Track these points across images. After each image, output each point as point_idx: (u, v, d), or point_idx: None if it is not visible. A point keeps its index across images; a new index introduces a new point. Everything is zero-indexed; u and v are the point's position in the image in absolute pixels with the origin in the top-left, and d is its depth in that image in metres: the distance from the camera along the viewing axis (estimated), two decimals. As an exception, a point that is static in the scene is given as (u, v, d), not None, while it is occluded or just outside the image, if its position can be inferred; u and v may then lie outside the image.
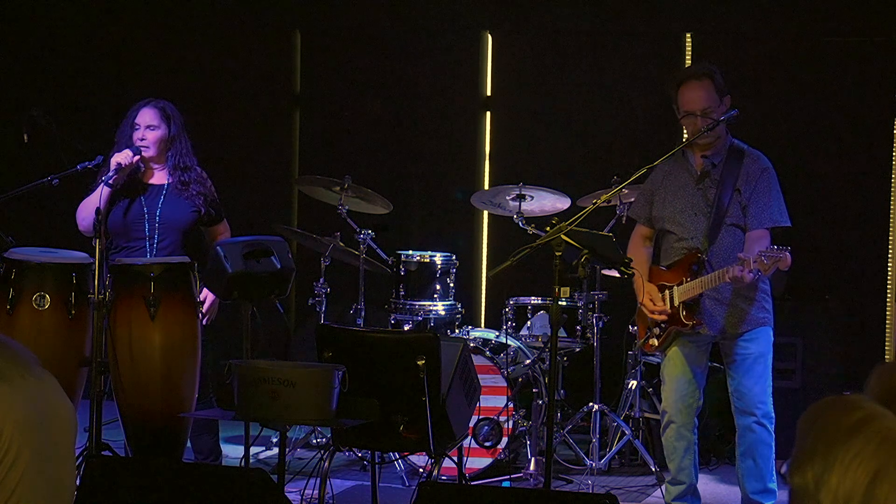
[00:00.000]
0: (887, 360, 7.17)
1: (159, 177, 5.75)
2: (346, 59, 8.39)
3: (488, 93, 8.22)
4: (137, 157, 5.59)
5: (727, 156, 5.09)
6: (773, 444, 5.08)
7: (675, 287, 5.05)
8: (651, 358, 6.78)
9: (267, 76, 8.53)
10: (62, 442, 1.90)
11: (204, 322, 5.58)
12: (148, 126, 5.68)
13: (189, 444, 5.76)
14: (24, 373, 1.86)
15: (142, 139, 5.65)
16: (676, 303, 5.04)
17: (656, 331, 5.13)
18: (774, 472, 5.11)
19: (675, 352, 5.13)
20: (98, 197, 5.45)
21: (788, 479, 1.60)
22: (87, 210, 5.55)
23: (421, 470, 5.90)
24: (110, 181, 5.50)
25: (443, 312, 6.44)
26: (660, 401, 6.50)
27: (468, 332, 6.35)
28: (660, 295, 5.09)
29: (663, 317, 5.07)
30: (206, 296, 5.52)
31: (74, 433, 1.96)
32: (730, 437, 6.64)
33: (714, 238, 5.02)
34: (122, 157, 5.54)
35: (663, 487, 5.33)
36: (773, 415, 5.09)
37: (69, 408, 1.93)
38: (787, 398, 6.64)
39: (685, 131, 5.31)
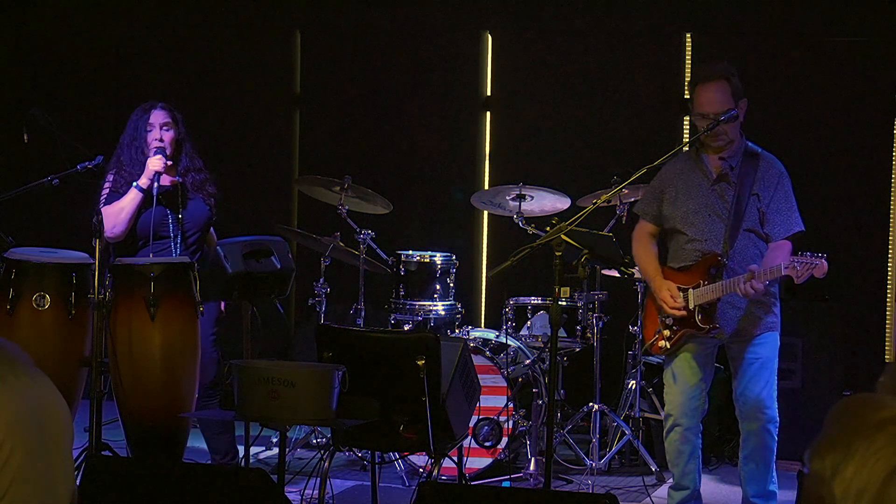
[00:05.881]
0: (888, 361, 7.17)
1: (172, 179, 5.77)
2: (346, 59, 8.39)
3: (488, 93, 8.22)
4: (170, 162, 5.64)
5: (742, 158, 5.06)
6: (776, 446, 5.07)
7: (692, 290, 5.00)
8: (651, 358, 6.78)
9: (267, 76, 8.53)
10: (56, 442, 1.89)
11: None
12: (162, 126, 5.71)
13: (206, 446, 5.78)
14: (16, 372, 1.85)
15: (159, 140, 5.68)
16: (692, 305, 5.00)
17: (667, 332, 5.09)
18: (775, 474, 5.10)
19: (685, 355, 5.09)
20: (131, 203, 5.55)
21: (807, 463, 1.61)
22: (119, 217, 5.59)
23: (421, 470, 5.90)
24: (145, 187, 5.55)
25: (443, 312, 6.44)
26: (660, 401, 6.51)
27: (468, 332, 6.35)
28: (679, 293, 5.07)
29: (682, 313, 5.04)
30: None
31: (70, 433, 1.95)
32: (730, 437, 6.64)
33: (733, 242, 4.99)
34: (158, 164, 5.58)
35: (666, 494, 5.30)
36: (777, 418, 5.08)
37: (63, 407, 1.92)
38: (787, 398, 6.63)
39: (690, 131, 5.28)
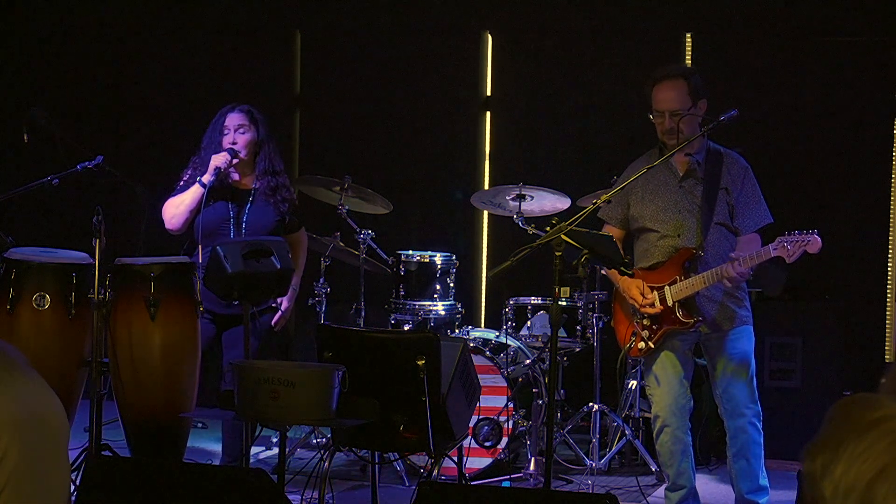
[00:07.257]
0: (888, 361, 7.17)
1: (247, 180, 5.76)
2: (346, 59, 8.39)
3: (488, 93, 8.22)
4: (236, 161, 5.62)
5: (707, 155, 5.12)
6: (763, 440, 5.09)
7: (668, 286, 5.02)
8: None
9: (267, 76, 8.53)
10: (52, 442, 1.88)
11: (276, 328, 5.74)
12: (237, 129, 5.69)
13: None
14: (14, 373, 1.85)
15: (233, 143, 5.66)
16: (670, 302, 5.02)
17: (645, 333, 5.09)
18: (765, 469, 5.11)
19: (667, 354, 5.10)
20: (191, 197, 5.55)
21: (802, 462, 1.61)
22: (178, 209, 5.59)
23: (421, 470, 5.90)
24: (207, 182, 5.54)
25: (443, 312, 6.45)
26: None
27: (468, 332, 6.35)
28: (649, 290, 5.07)
29: (656, 310, 5.05)
30: (283, 303, 5.68)
31: (66, 433, 1.94)
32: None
33: (707, 235, 5.03)
34: (221, 161, 5.57)
35: (664, 495, 5.30)
36: (761, 411, 5.10)
37: (60, 410, 1.91)
38: (787, 398, 6.65)
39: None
